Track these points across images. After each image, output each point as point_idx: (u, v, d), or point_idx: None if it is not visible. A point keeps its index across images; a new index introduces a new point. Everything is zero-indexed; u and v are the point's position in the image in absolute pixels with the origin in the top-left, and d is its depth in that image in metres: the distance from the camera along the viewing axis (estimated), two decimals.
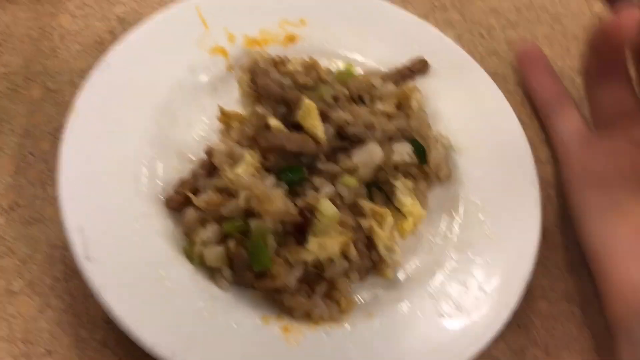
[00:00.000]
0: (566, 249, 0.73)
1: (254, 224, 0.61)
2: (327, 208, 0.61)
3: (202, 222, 0.63)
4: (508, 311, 0.61)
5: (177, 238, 0.64)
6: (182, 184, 0.66)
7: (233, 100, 0.73)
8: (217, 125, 0.71)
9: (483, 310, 0.62)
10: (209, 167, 0.67)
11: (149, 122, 0.68)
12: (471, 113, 0.75)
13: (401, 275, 0.67)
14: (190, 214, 0.64)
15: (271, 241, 0.60)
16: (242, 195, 0.61)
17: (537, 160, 0.72)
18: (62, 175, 0.61)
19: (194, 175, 0.66)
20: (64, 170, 0.61)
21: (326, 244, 0.61)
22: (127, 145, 0.66)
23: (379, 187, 0.70)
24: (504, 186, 0.70)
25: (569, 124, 0.74)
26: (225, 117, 0.70)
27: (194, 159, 0.69)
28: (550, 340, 0.68)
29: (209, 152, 0.67)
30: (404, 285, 0.65)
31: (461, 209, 0.70)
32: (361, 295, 0.65)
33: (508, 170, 0.70)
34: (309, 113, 0.66)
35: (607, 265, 0.63)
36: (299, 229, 0.62)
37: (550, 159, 0.79)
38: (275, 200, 0.60)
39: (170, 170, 0.67)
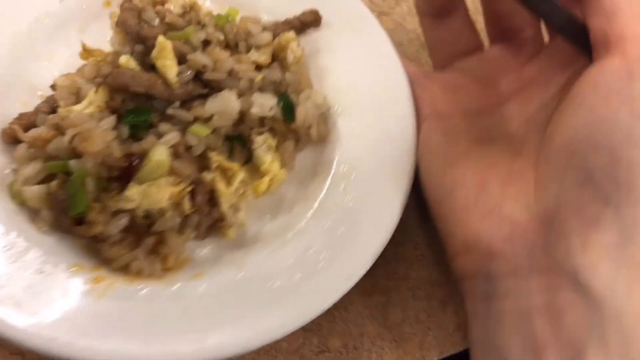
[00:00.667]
0: None
1: (73, 163, 0.55)
2: (156, 153, 0.56)
3: (32, 160, 0.58)
4: (345, 287, 0.55)
5: (8, 177, 0.59)
6: (20, 117, 0.61)
7: (105, 39, 0.68)
8: (80, 63, 0.66)
9: (317, 285, 0.55)
10: (54, 104, 0.62)
11: (6, 51, 0.64)
12: (360, 72, 0.68)
13: (247, 238, 0.61)
14: (20, 149, 0.59)
15: (90, 185, 0.55)
16: (69, 132, 0.56)
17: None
18: None
19: (37, 110, 0.61)
20: None
21: (151, 192, 0.55)
22: None
23: (242, 143, 0.64)
24: (375, 156, 0.63)
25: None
26: (87, 53, 0.65)
27: (45, 95, 0.64)
28: None
29: (53, 87, 0.62)
30: (245, 248, 0.59)
31: (328, 175, 0.63)
32: (198, 255, 0.59)
33: (386, 140, 0.63)
34: (162, 52, 0.60)
35: (449, 217, 0.55)
36: (126, 175, 0.56)
37: None
38: (96, 139, 0.55)
39: (21, 107, 0.63)
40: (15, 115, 0.62)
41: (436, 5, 0.63)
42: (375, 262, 0.57)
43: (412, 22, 0.81)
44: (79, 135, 0.55)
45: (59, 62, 0.66)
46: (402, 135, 0.63)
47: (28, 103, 0.63)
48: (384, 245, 0.58)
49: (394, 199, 0.60)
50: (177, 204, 0.57)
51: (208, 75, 0.61)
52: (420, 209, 0.65)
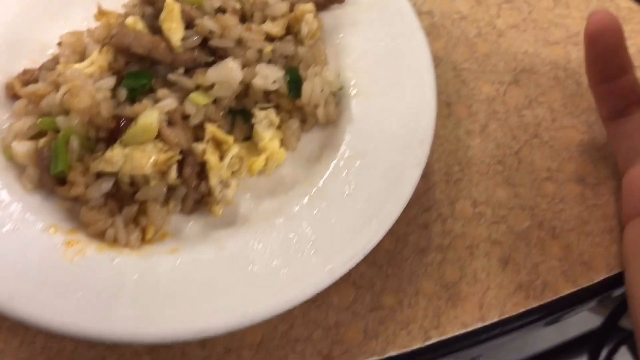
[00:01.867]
0: None
1: (60, 120, 0.53)
2: (146, 117, 0.53)
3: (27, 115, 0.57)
4: (325, 281, 0.50)
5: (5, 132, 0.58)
6: (24, 72, 0.60)
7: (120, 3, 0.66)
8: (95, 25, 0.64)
9: (295, 275, 0.50)
10: (58, 61, 0.60)
11: (20, 8, 0.63)
12: (382, 54, 0.62)
13: (237, 217, 0.56)
14: (19, 103, 0.58)
15: (74, 143, 0.53)
16: (63, 89, 0.54)
17: (436, 135, 0.59)
18: None
19: (41, 67, 0.60)
20: None
21: (134, 156, 0.52)
22: None
23: (245, 117, 0.60)
24: (386, 144, 0.57)
25: None
26: (102, 16, 0.63)
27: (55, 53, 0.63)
28: (557, 222, 0.61)
29: (59, 44, 0.60)
30: (232, 228, 0.55)
31: (331, 159, 0.58)
32: (183, 229, 0.56)
33: (400, 127, 0.58)
34: (170, 15, 0.57)
35: None
36: (112, 138, 0.54)
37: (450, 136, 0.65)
38: (84, 95, 0.52)
39: (30, 64, 0.62)
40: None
41: (618, 108, 0.59)
42: (431, 219, 0.57)
43: None
44: (69, 92, 0.53)
45: (74, 22, 0.65)
46: (419, 126, 0.57)
47: (37, 61, 0.62)
48: (376, 242, 0.52)
49: (397, 193, 0.54)
50: (163, 173, 0.54)
51: (214, 42, 0.58)
52: (480, 165, 0.63)
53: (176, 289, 0.50)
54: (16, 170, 0.56)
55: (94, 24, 0.64)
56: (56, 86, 0.56)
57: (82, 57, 0.59)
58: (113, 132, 0.53)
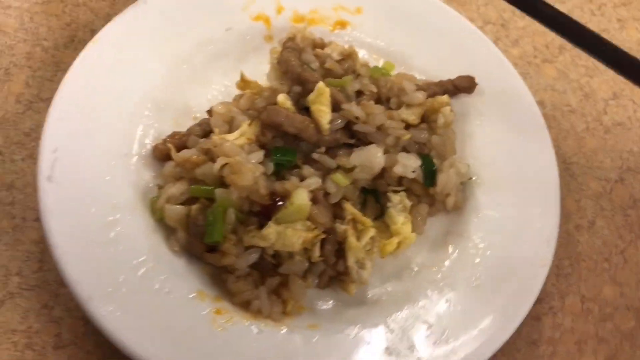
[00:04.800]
0: None
1: (219, 192, 0.57)
2: (299, 197, 0.56)
3: (178, 180, 0.60)
4: None
5: (152, 191, 0.61)
6: (173, 135, 0.63)
7: (261, 72, 0.70)
8: (235, 92, 0.68)
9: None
10: (207, 128, 0.64)
11: (165, 72, 0.67)
12: (507, 146, 0.66)
13: (367, 297, 0.60)
14: (168, 166, 0.61)
15: (230, 216, 0.56)
16: (220, 161, 0.57)
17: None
18: (58, 96, 0.60)
19: (189, 132, 0.64)
20: (62, 92, 0.61)
21: (286, 234, 0.55)
22: (134, 87, 0.64)
23: (376, 197, 0.63)
24: (515, 239, 0.60)
25: None
26: (245, 85, 0.67)
27: (199, 119, 0.66)
28: None
29: (209, 112, 0.64)
30: (364, 308, 0.58)
31: (459, 247, 0.61)
32: (317, 304, 0.59)
33: (526, 223, 0.61)
34: (320, 97, 0.61)
35: None
36: (265, 213, 0.57)
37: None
38: (247, 173, 0.55)
39: (173, 126, 0.65)
40: (168, 132, 0.64)
41: None
42: (542, 311, 0.61)
43: (575, 72, 0.79)
44: (229, 166, 0.56)
45: (215, 88, 0.69)
46: (543, 221, 0.61)
47: (181, 123, 0.66)
48: (506, 338, 0.55)
49: (526, 291, 0.57)
50: (306, 250, 0.57)
51: (358, 127, 0.61)
52: (588, 262, 0.66)
53: None
54: (163, 232, 0.59)
55: (232, 91, 0.68)
56: (210, 155, 0.59)
57: (230, 126, 0.62)
58: (267, 208, 0.56)
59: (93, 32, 0.73)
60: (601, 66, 0.80)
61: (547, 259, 0.59)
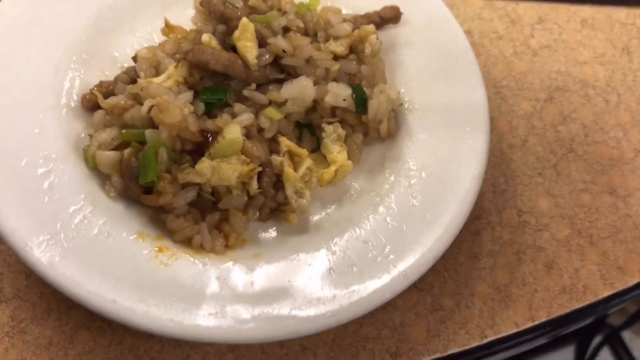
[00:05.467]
0: None
1: (148, 133, 0.56)
2: (231, 132, 0.56)
3: (109, 127, 0.60)
4: (399, 288, 0.54)
5: (83, 140, 0.61)
6: (100, 85, 0.62)
7: (186, 18, 0.69)
8: (161, 39, 0.67)
9: (377, 277, 0.55)
10: (133, 75, 0.63)
11: (88, 22, 0.66)
12: (436, 72, 0.67)
13: (308, 225, 0.60)
14: (98, 115, 0.60)
15: (163, 155, 0.56)
16: (147, 103, 0.57)
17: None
18: None
19: (116, 80, 0.63)
20: None
21: (221, 169, 0.56)
22: (57, 40, 0.63)
23: (311, 131, 0.64)
24: (448, 157, 0.62)
25: None
26: (169, 30, 0.66)
27: (126, 66, 0.66)
28: (594, 230, 0.67)
29: (134, 58, 0.63)
30: (307, 236, 0.59)
31: (395, 171, 0.62)
32: (260, 236, 0.59)
33: (457, 141, 0.62)
34: (244, 34, 0.61)
35: None
36: (198, 150, 0.57)
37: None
38: (174, 110, 0.55)
39: (100, 75, 0.65)
40: (96, 82, 0.63)
41: None
42: (481, 227, 0.63)
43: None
44: (157, 106, 0.56)
45: (141, 36, 0.68)
46: (475, 140, 0.62)
47: (108, 73, 0.65)
48: (445, 248, 0.57)
49: (460, 203, 0.59)
50: (244, 184, 0.58)
51: (286, 61, 0.61)
52: (523, 177, 0.69)
53: (260, 292, 0.54)
54: (98, 179, 0.59)
55: (159, 38, 0.67)
56: (138, 100, 0.59)
57: (157, 71, 0.62)
58: (200, 145, 0.56)
59: None
60: None
61: (479, 172, 0.60)
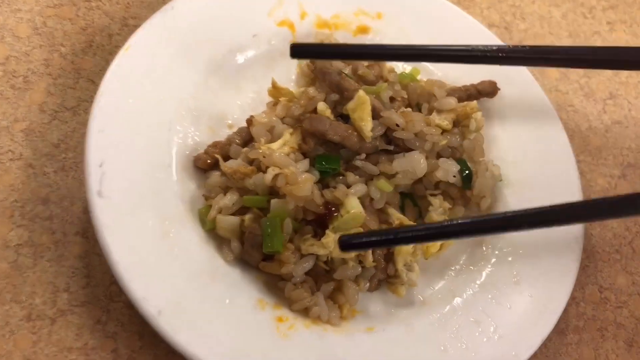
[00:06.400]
0: None
1: (274, 203, 0.57)
2: (353, 206, 0.58)
3: (225, 189, 0.61)
4: None
5: (196, 201, 0.61)
6: (215, 145, 0.63)
7: (287, 78, 0.71)
8: (266, 98, 0.68)
9: (489, 357, 0.57)
10: (246, 136, 0.64)
11: (198, 79, 0.66)
12: (529, 148, 0.70)
13: (415, 298, 0.62)
14: (214, 177, 0.61)
15: (288, 225, 0.57)
16: (271, 171, 0.58)
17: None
18: (96, 107, 0.59)
19: (229, 141, 0.64)
20: (100, 103, 0.59)
21: None
22: (169, 96, 0.64)
23: (413, 201, 0.66)
24: (544, 237, 0.64)
25: None
26: (276, 91, 0.67)
27: (233, 126, 0.66)
28: None
29: (249, 121, 0.64)
30: (414, 309, 0.61)
31: (495, 246, 0.64)
32: (368, 306, 0.61)
33: (555, 227, 0.65)
34: (361, 106, 0.62)
35: None
36: (320, 221, 0.58)
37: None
38: (304, 184, 0.57)
39: (208, 133, 0.65)
40: (204, 140, 0.64)
41: None
42: (567, 302, 0.63)
43: (575, 73, 0.84)
44: (284, 177, 0.57)
45: (245, 95, 0.69)
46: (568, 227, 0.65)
47: (215, 131, 0.66)
48: (551, 328, 0.59)
49: (562, 284, 0.61)
50: (358, 255, 0.59)
51: (398, 134, 0.63)
52: (602, 254, 0.71)
53: None
54: (214, 242, 0.59)
55: (262, 97, 0.68)
56: (257, 164, 0.60)
57: (272, 135, 0.63)
58: (323, 216, 0.58)
59: (110, 37, 0.72)
60: None
61: (578, 255, 0.63)
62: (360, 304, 0.61)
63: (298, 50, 0.64)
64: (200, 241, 0.59)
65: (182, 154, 0.63)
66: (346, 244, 0.52)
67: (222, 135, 0.66)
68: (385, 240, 0.54)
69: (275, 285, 0.59)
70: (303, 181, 0.57)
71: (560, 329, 0.67)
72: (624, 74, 0.86)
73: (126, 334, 0.57)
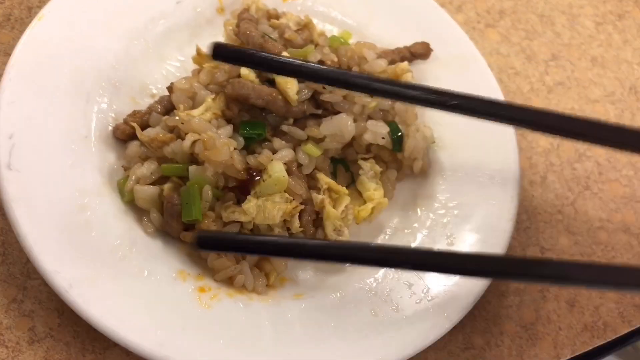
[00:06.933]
0: None
1: (193, 170, 0.55)
2: (276, 170, 0.56)
3: (144, 159, 0.58)
4: (441, 330, 0.55)
5: (116, 172, 0.59)
6: (134, 114, 0.61)
7: None
8: (191, 65, 0.66)
9: (420, 319, 0.55)
10: (167, 105, 0.62)
11: (118, 48, 0.64)
12: None
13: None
14: (133, 146, 0.59)
15: (207, 193, 0.55)
16: (189, 137, 0.56)
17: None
18: (6, 79, 0.57)
19: (149, 110, 0.62)
20: (10, 75, 0.57)
21: (266, 208, 0.55)
22: (87, 66, 0.61)
23: (346, 166, 0.64)
24: (479, 197, 0.63)
25: None
26: (201, 59, 0.65)
27: (157, 96, 0.64)
28: None
29: (170, 88, 0.62)
30: (344, 275, 0.59)
31: (428, 209, 0.63)
32: (298, 274, 0.59)
33: (488, 180, 0.64)
34: None
35: None
36: (243, 188, 0.56)
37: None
38: (222, 148, 0.54)
39: (130, 102, 0.63)
40: (126, 110, 0.62)
41: None
42: None
43: (517, 35, 0.83)
44: (202, 142, 0.55)
45: (170, 64, 0.67)
46: (507, 179, 0.63)
47: (138, 101, 0.64)
48: (484, 289, 0.58)
49: (496, 245, 0.60)
50: (284, 221, 0.57)
51: (325, 97, 0.61)
52: (544, 214, 0.69)
53: (307, 333, 0.54)
54: (134, 214, 0.57)
55: (188, 65, 0.66)
56: (176, 133, 0.58)
57: (193, 102, 0.61)
58: (245, 183, 0.56)
59: (30, 10, 0.70)
60: (539, 28, 0.84)
61: (513, 214, 0.62)
62: (289, 271, 0.59)
63: (219, 53, 0.60)
64: (119, 213, 0.56)
65: (102, 126, 0.60)
66: (202, 240, 0.47)
67: (145, 105, 0.63)
68: (244, 248, 0.49)
69: (199, 256, 0.57)
70: (221, 145, 0.55)
71: (501, 292, 0.65)
72: (567, 35, 0.85)
73: (44, 312, 0.55)
